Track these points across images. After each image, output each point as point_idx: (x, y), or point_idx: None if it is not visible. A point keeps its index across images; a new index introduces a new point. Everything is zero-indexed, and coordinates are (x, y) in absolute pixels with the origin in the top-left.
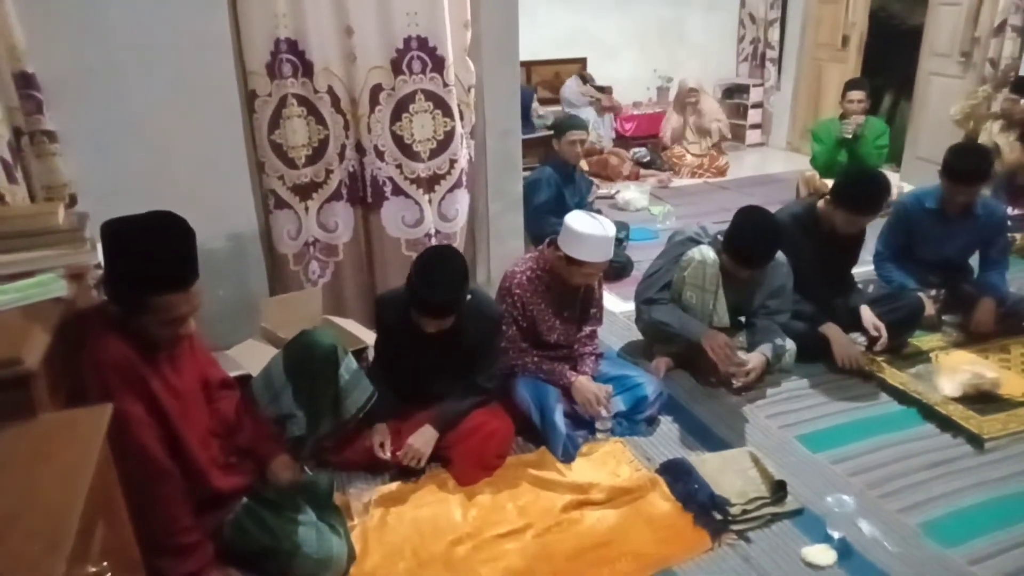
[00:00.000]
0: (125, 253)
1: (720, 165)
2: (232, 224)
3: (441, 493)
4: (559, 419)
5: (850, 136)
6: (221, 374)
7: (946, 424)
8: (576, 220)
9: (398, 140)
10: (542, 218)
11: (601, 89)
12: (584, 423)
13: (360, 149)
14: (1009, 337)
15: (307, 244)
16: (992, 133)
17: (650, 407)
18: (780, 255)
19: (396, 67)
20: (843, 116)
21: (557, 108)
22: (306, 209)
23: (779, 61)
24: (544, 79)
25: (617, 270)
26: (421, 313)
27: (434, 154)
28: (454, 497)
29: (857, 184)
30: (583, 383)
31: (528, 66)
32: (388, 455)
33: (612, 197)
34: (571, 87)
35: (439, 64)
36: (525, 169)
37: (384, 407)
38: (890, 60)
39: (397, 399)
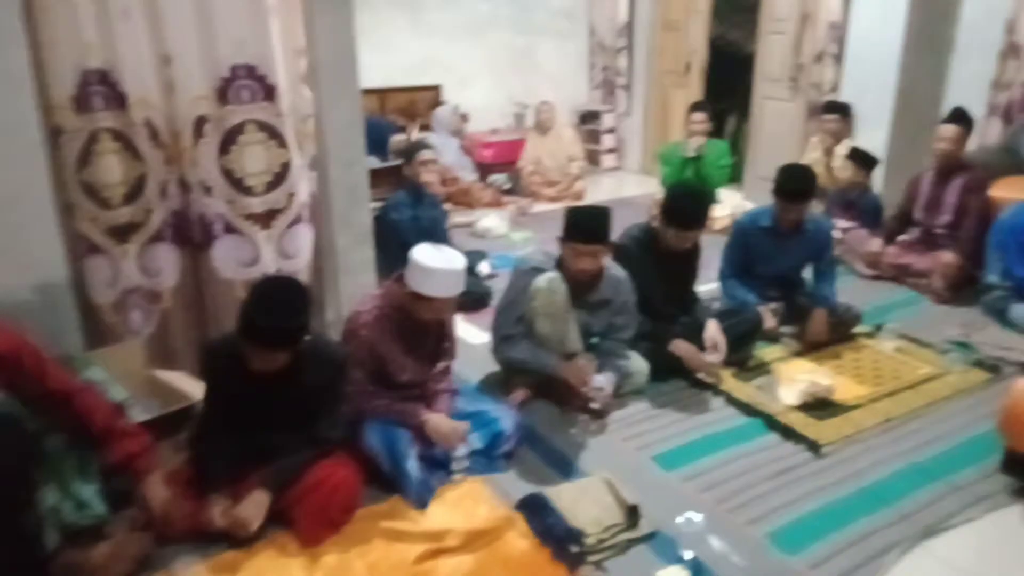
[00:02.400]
0: None
1: (577, 190)
2: (39, 273)
3: (281, 559)
4: (411, 464)
5: (693, 156)
6: None
7: (788, 433)
8: (423, 255)
9: (227, 174)
10: (396, 244)
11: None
12: (439, 464)
13: (185, 185)
14: (840, 344)
15: (126, 291)
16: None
17: (507, 442)
18: (622, 272)
19: (222, 96)
20: (688, 137)
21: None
22: (124, 253)
23: (629, 87)
24: (398, 106)
25: (474, 301)
26: (253, 344)
27: (270, 187)
28: (296, 561)
29: (679, 201)
30: (437, 421)
31: (382, 94)
32: (224, 524)
33: (471, 225)
34: (446, 111)
35: (270, 92)
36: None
37: (218, 469)
38: (731, 85)
39: (233, 458)
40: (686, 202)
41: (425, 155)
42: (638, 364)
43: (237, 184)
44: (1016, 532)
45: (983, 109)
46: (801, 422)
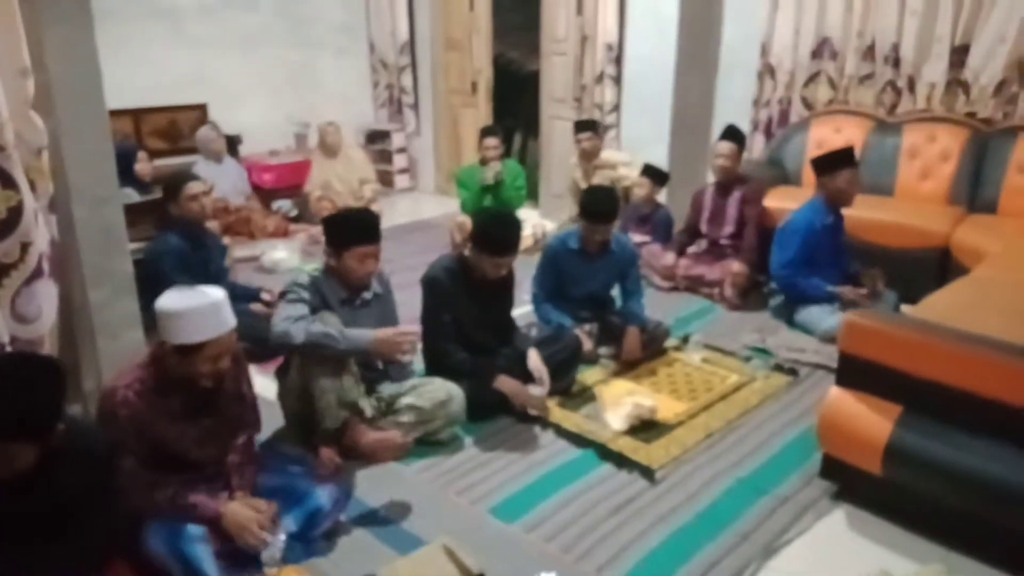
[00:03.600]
0: None
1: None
2: None
3: None
4: (208, 567)
5: (492, 183)
6: None
7: (621, 461)
8: (168, 301)
9: None
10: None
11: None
12: (246, 559)
13: None
14: (654, 359)
15: None
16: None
17: (326, 519)
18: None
19: None
20: (482, 161)
21: (176, 160)
22: None
23: (416, 106)
24: (157, 128)
25: (270, 346)
26: None
27: None
28: None
29: (491, 227)
30: (234, 511)
31: (136, 115)
32: None
33: (257, 259)
34: (206, 134)
35: None
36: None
37: None
38: (516, 103)
39: None
40: (498, 229)
41: (193, 188)
42: (449, 388)
43: None
44: (844, 535)
45: (748, 126)
46: (631, 447)
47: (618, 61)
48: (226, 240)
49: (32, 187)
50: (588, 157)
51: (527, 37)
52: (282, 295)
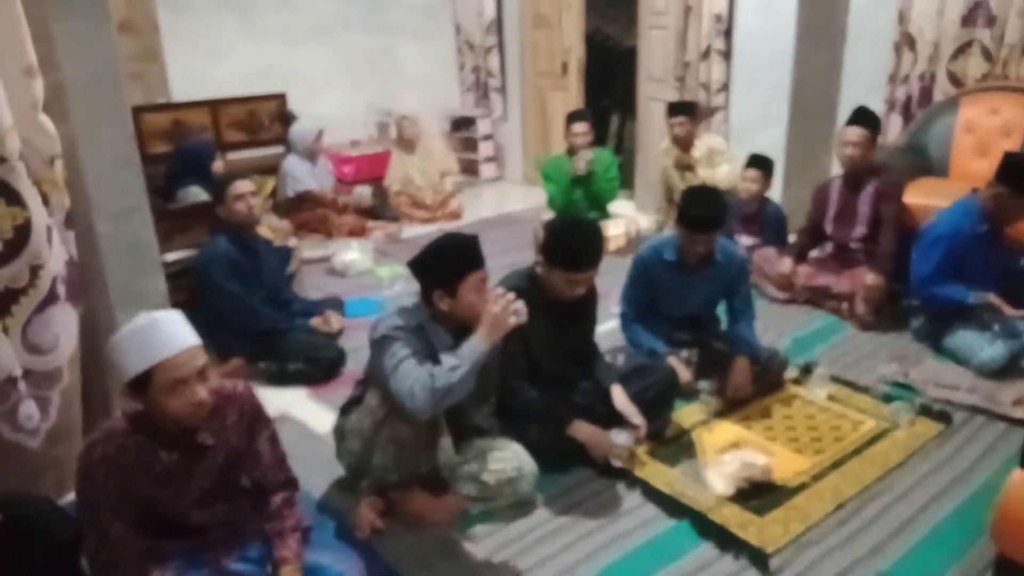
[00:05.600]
0: None
1: (454, 209)
2: None
3: None
4: None
5: (583, 174)
6: None
7: (724, 538)
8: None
9: None
10: (244, 310)
11: None
12: None
13: None
14: (768, 395)
15: None
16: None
17: None
18: None
19: None
20: (570, 150)
21: (256, 152)
22: None
23: (503, 90)
24: (236, 119)
25: (324, 368)
26: None
27: (2, 261)
28: None
29: (564, 237)
30: None
31: (214, 106)
32: None
33: (328, 260)
34: (302, 129)
35: None
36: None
37: None
38: (612, 81)
39: None
40: (572, 238)
41: (239, 187)
42: (522, 463)
43: None
44: None
45: (882, 106)
46: (739, 520)
47: (727, 34)
48: (293, 242)
49: (44, 201)
50: (683, 145)
51: (626, 10)
52: (378, 344)
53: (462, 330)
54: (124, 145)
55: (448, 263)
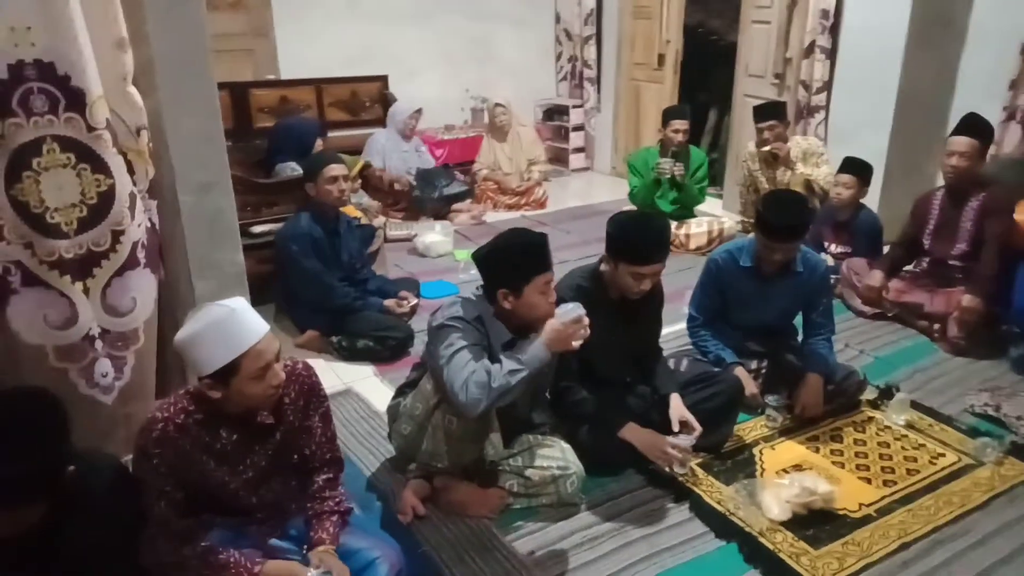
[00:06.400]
0: None
1: (539, 197)
2: None
3: None
4: None
5: (668, 176)
6: None
7: (774, 566)
8: (181, 331)
9: (21, 209)
10: (320, 285)
11: None
12: None
13: None
14: (841, 417)
15: None
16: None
17: None
18: None
19: (2, 106)
20: (662, 144)
21: (357, 132)
22: None
23: (598, 80)
24: (339, 99)
25: (392, 347)
26: None
27: (85, 225)
28: None
29: (630, 228)
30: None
31: (319, 85)
32: None
33: (410, 240)
34: (403, 110)
35: (76, 99)
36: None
37: None
38: (711, 76)
39: None
40: (638, 230)
41: (334, 170)
42: (569, 463)
43: (36, 221)
44: None
45: (998, 113)
46: (790, 548)
47: (834, 30)
48: (380, 221)
49: (130, 170)
50: (771, 151)
51: (732, 3)
52: (436, 331)
53: (522, 327)
54: (208, 120)
55: (515, 263)
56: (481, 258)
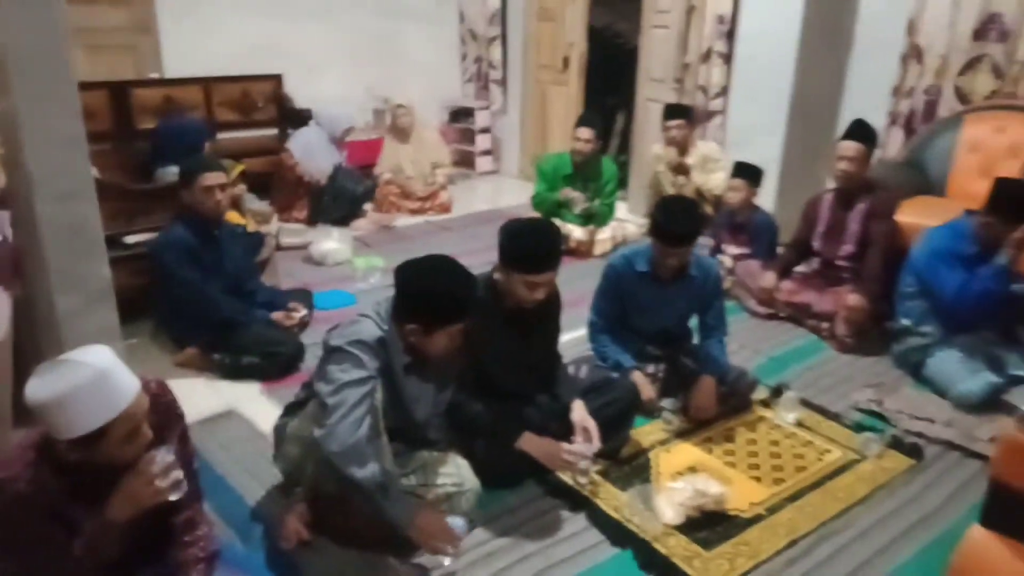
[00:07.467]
0: None
1: (443, 202)
2: None
3: None
4: None
5: (577, 212)
6: None
7: (668, 572)
8: (35, 389)
9: None
10: (200, 298)
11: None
12: None
13: None
14: (734, 417)
15: None
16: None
17: None
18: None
19: None
20: (574, 154)
21: (248, 133)
22: None
23: (504, 82)
24: (229, 99)
25: (281, 362)
26: None
27: None
28: None
29: (522, 238)
30: None
31: (207, 84)
32: None
33: (305, 248)
34: (340, 116)
35: None
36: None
37: None
38: (622, 80)
39: None
40: (530, 237)
41: (209, 179)
42: (464, 479)
43: None
44: None
45: (884, 118)
46: (684, 552)
47: (730, 36)
48: (272, 227)
49: None
50: (678, 150)
51: (637, 6)
52: (332, 351)
53: (421, 358)
54: (69, 122)
55: (436, 308)
56: (403, 283)
